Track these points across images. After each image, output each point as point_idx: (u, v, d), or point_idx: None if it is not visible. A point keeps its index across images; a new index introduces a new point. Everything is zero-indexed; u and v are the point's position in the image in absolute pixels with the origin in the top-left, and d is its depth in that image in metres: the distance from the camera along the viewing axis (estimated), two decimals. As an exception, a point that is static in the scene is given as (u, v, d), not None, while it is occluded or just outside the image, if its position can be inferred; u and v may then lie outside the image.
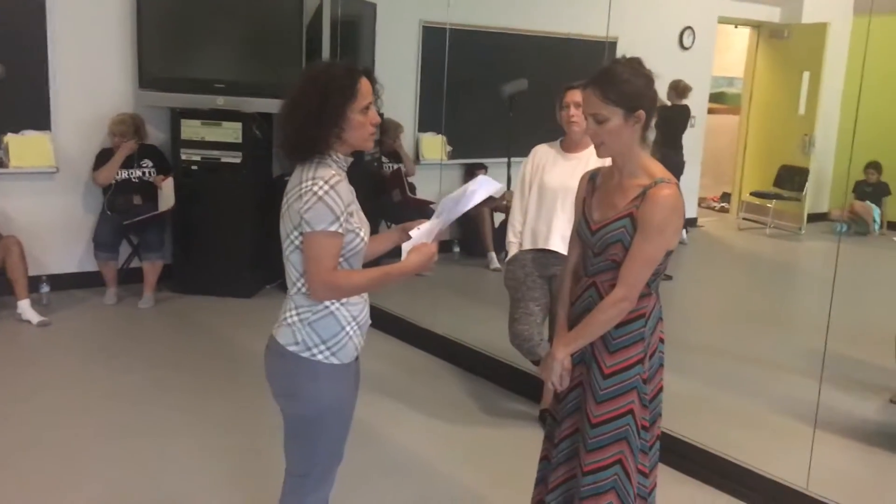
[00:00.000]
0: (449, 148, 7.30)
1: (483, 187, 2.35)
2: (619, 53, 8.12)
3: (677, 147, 8.09)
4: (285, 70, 5.66)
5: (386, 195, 6.68)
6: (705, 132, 9.22)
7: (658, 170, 2.28)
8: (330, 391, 2.22)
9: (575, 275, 2.46)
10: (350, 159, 2.26)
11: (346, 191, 2.13)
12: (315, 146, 2.14)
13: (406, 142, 7.10)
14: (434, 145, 7.29)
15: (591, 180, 2.45)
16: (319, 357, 2.18)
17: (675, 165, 8.08)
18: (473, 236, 7.04)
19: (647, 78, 2.25)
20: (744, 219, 8.53)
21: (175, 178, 5.61)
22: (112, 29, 5.70)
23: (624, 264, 2.24)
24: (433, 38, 7.11)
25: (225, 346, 4.88)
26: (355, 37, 6.42)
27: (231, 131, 5.61)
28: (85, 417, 3.89)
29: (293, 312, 2.21)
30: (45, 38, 5.45)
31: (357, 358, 2.35)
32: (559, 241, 3.62)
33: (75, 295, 5.61)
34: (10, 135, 5.42)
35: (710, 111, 9.25)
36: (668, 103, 8.10)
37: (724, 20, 8.62)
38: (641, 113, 2.22)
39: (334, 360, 2.20)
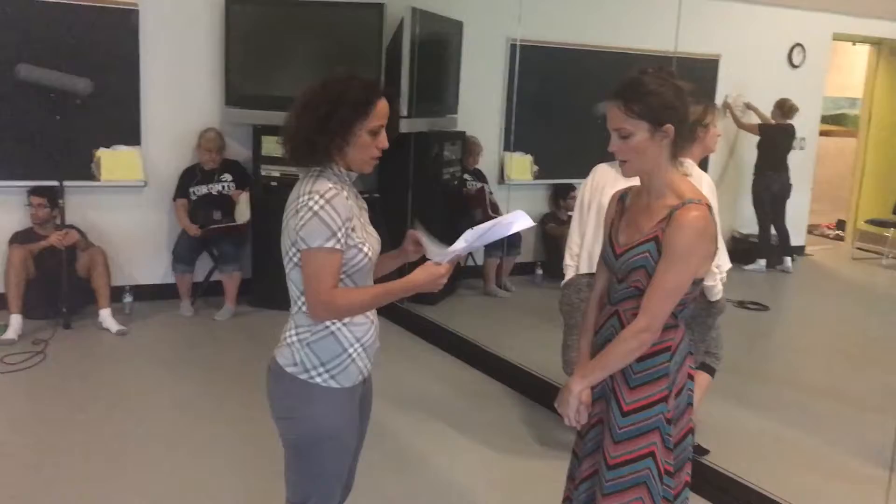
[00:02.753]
0: (536, 168, 7.15)
1: (519, 221, 2.20)
2: (721, 72, 7.74)
3: (781, 168, 7.66)
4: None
5: (469, 214, 6.57)
6: (819, 156, 8.70)
7: (688, 189, 2.07)
8: (327, 416, 2.12)
9: (600, 302, 2.27)
10: (354, 174, 2.17)
11: (345, 205, 2.03)
12: (314, 153, 2.06)
13: (491, 161, 6.99)
14: (521, 165, 7.14)
15: (621, 200, 2.27)
16: (318, 380, 2.09)
17: (781, 186, 7.64)
18: (557, 259, 6.82)
19: (678, 89, 2.05)
20: (858, 248, 7.98)
21: (255, 194, 5.70)
22: (202, 47, 5.87)
23: (647, 292, 2.05)
24: (523, 56, 6.99)
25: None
26: (440, 54, 6.37)
27: (310, 148, 5.65)
28: (142, 424, 3.96)
29: (293, 332, 2.13)
30: (137, 56, 5.67)
31: (365, 381, 2.24)
32: None
33: (157, 306, 5.76)
34: (101, 149, 5.63)
35: (825, 133, 8.71)
36: (772, 122, 7.70)
37: (839, 37, 8.11)
38: (670, 127, 2.03)
39: (333, 384, 2.10)
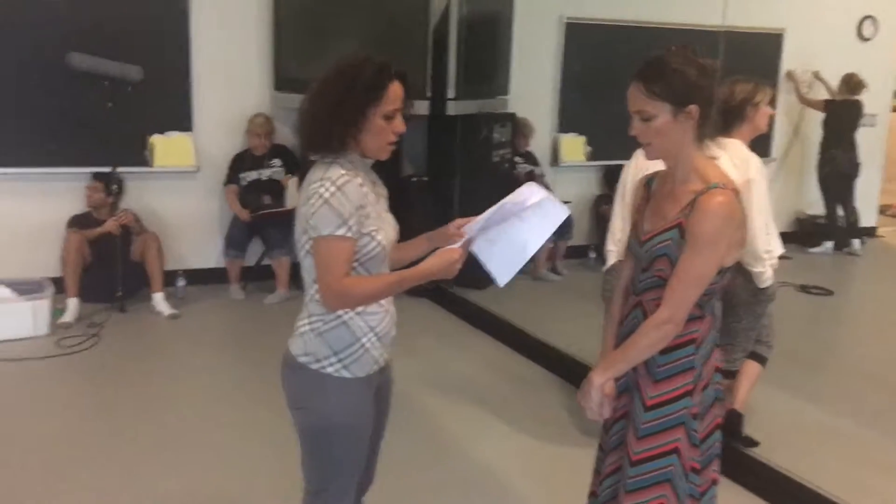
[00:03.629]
0: (588, 149, 7.01)
1: (534, 196, 2.13)
2: (786, 47, 7.45)
3: (848, 146, 7.35)
4: (410, 71, 5.61)
5: (519, 197, 6.48)
6: (891, 133, 8.32)
7: (715, 174, 1.97)
8: (339, 406, 2.08)
9: (626, 292, 2.18)
10: (369, 161, 2.13)
11: (357, 192, 1.98)
12: (328, 142, 2.02)
13: (543, 143, 6.88)
14: (574, 147, 7.01)
15: (647, 185, 2.17)
16: (329, 370, 2.06)
17: (848, 164, 7.32)
18: (612, 242, 6.69)
19: (702, 68, 1.93)
20: (933, 229, 7.64)
21: (302, 179, 5.71)
22: (251, 33, 5.90)
23: (670, 281, 1.96)
24: (576, 34, 6.85)
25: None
26: (489, 35, 6.27)
27: (357, 132, 5.63)
28: (191, 406, 4.03)
29: (305, 321, 2.10)
30: (188, 42, 5.73)
31: (382, 370, 2.20)
32: None
33: (209, 290, 5.85)
34: (155, 135, 5.73)
35: (897, 110, 8.34)
36: (838, 98, 7.38)
37: (916, 7, 7.72)
38: (694, 108, 1.92)
39: (346, 374, 2.07)
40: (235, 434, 3.72)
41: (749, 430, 3.72)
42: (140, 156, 5.69)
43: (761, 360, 3.69)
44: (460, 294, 5.78)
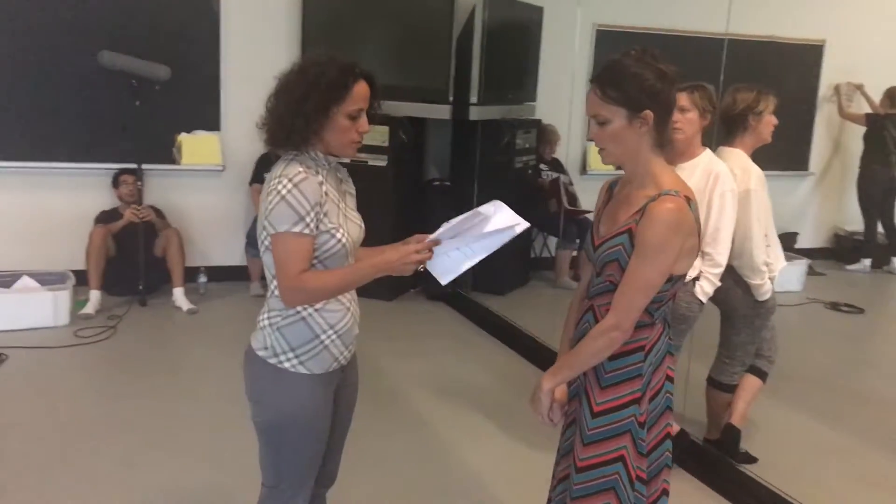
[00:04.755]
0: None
1: (499, 214, 2.10)
2: (826, 58, 7.24)
3: (890, 162, 7.12)
4: (433, 76, 5.68)
5: (543, 205, 6.45)
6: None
7: (669, 180, 1.94)
8: (294, 401, 2.10)
9: (583, 296, 2.16)
10: (334, 159, 2.15)
11: (315, 190, 1.99)
12: (289, 138, 2.04)
13: (574, 151, 6.83)
14: (603, 155, 6.94)
15: (609, 190, 2.15)
16: (286, 364, 2.08)
17: (889, 180, 7.10)
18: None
19: (660, 73, 1.90)
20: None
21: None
22: (279, 35, 5.98)
23: (618, 288, 1.93)
24: (607, 42, 6.78)
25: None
26: (516, 41, 6.26)
27: (378, 134, 5.67)
28: (199, 399, 4.09)
29: (265, 316, 2.13)
30: (218, 44, 5.85)
31: (343, 368, 2.21)
32: None
33: (229, 286, 5.94)
34: (183, 134, 5.85)
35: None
36: (881, 112, 7.17)
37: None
38: (648, 114, 1.89)
39: (302, 370, 2.09)
40: (244, 429, 3.73)
41: (750, 446, 3.64)
42: (168, 153, 5.82)
43: (761, 374, 3.61)
44: (478, 300, 5.77)
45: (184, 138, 5.85)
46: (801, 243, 7.25)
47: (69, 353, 4.62)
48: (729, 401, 3.60)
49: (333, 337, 2.11)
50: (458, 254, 2.05)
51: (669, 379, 2.03)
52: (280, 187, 1.98)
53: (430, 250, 2.03)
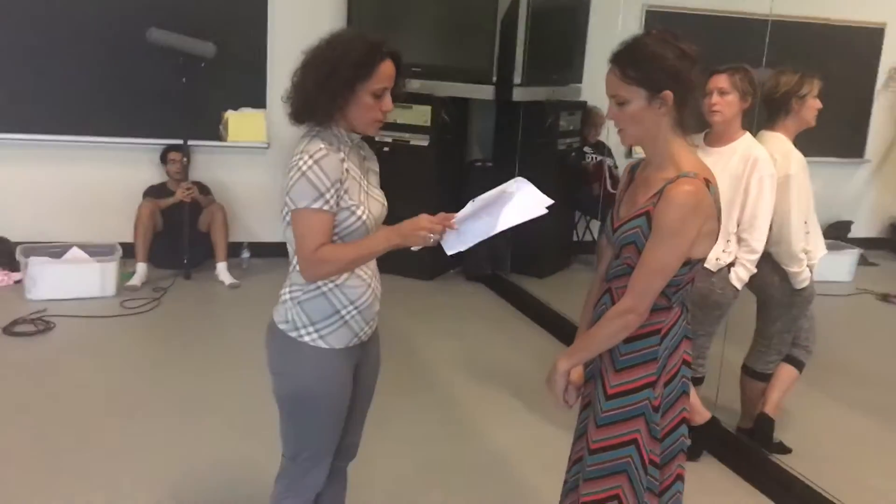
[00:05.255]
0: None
1: (521, 191, 2.10)
2: (886, 42, 7.02)
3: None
4: (477, 56, 5.65)
5: (586, 188, 6.39)
6: None
7: (689, 162, 1.91)
8: (313, 374, 2.13)
9: (602, 278, 2.15)
10: (356, 136, 2.16)
11: (336, 166, 2.01)
12: (313, 113, 2.07)
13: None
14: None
15: (632, 172, 2.13)
16: (306, 339, 2.11)
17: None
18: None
19: (681, 52, 1.87)
20: None
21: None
22: (326, 13, 6.00)
23: (634, 271, 1.91)
24: (657, 23, 6.66)
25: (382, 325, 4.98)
26: (563, 21, 6.19)
27: (420, 114, 5.68)
28: (235, 370, 4.16)
29: (287, 290, 2.16)
30: (265, 23, 5.91)
31: (364, 345, 2.23)
32: None
33: (272, 262, 5.99)
34: (229, 111, 5.93)
35: None
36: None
37: None
38: (668, 94, 1.86)
39: (322, 344, 2.11)
40: (230, 406, 3.79)
41: (785, 437, 3.58)
42: (214, 130, 5.91)
43: (798, 364, 3.54)
44: (517, 282, 5.75)
45: (230, 115, 5.93)
46: (856, 232, 7.05)
47: (115, 322, 4.75)
48: (763, 389, 3.54)
49: (354, 312, 2.13)
50: (474, 227, 2.05)
51: (686, 363, 2.01)
52: (301, 163, 2.00)
53: (444, 227, 2.04)
